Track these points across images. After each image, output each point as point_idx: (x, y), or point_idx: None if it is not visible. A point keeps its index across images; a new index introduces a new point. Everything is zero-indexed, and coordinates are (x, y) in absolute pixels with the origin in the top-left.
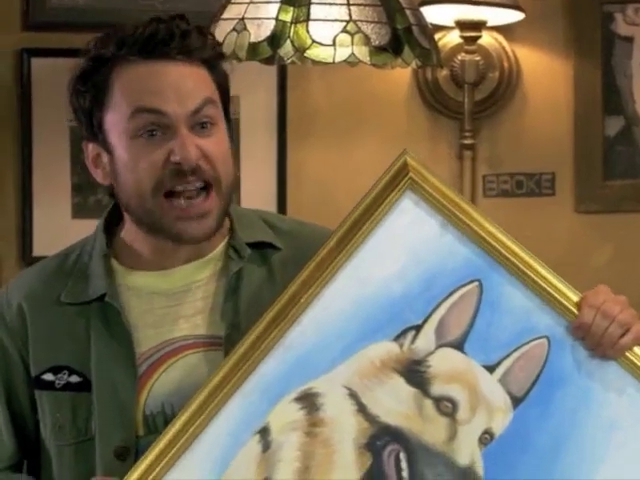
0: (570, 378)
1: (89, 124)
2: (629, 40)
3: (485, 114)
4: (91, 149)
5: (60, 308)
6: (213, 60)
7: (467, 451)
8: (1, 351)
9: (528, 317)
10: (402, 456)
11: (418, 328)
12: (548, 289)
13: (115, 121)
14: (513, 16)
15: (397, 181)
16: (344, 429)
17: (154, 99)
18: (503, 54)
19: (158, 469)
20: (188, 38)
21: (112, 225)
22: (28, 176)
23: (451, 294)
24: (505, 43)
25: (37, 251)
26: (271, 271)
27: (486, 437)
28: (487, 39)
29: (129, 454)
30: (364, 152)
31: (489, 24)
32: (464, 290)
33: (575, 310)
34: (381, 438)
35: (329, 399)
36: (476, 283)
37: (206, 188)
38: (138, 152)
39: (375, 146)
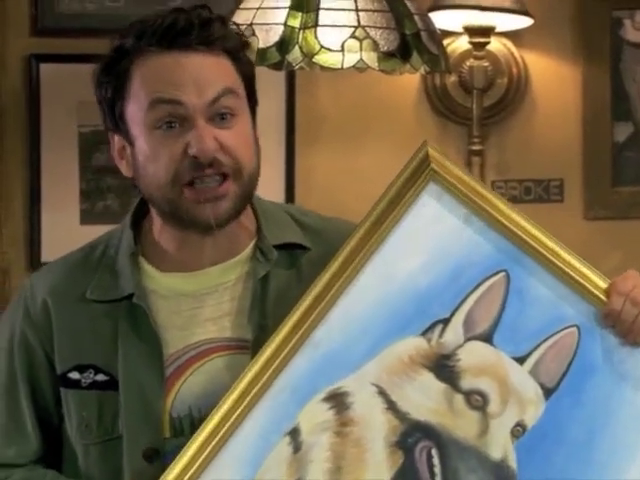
0: (601, 366)
1: (112, 115)
2: (638, 46)
3: (493, 120)
4: (117, 141)
5: (85, 305)
6: (236, 50)
7: (499, 444)
8: (25, 345)
9: (557, 306)
10: (434, 452)
11: (446, 322)
12: (576, 277)
13: (135, 112)
14: (522, 22)
15: (419, 173)
16: (374, 427)
17: (172, 90)
18: (512, 60)
19: (190, 473)
20: (209, 28)
21: (139, 220)
22: (36, 182)
23: (478, 286)
24: (514, 49)
25: (45, 257)
26: (299, 273)
27: (518, 429)
28: (496, 45)
29: (158, 456)
30: (372, 158)
31: (498, 30)
32: (491, 281)
33: (604, 297)
34: (412, 435)
35: (358, 398)
36: (503, 273)
37: (224, 178)
38: (156, 144)
39: (383, 152)
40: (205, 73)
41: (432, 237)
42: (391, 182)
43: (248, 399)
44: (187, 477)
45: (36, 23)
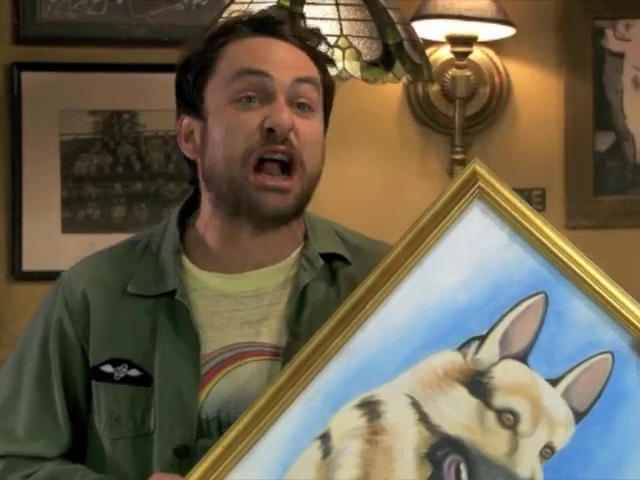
0: (634, 394)
1: (190, 95)
2: (620, 56)
3: (476, 129)
4: (186, 124)
5: (126, 299)
6: (324, 60)
7: (528, 464)
8: (60, 335)
9: (593, 331)
10: (462, 467)
11: (482, 339)
12: (614, 303)
13: (216, 86)
14: (504, 31)
15: (466, 189)
16: (405, 438)
17: (259, 63)
18: (494, 69)
19: (219, 470)
20: (301, 28)
21: (185, 218)
22: (18, 190)
23: (516, 305)
24: (496, 58)
25: (27, 266)
26: (337, 285)
27: (547, 451)
28: (478, 54)
29: (189, 453)
30: (355, 167)
31: (480, 39)
32: (530, 302)
33: None
34: (442, 448)
35: (391, 407)
36: (542, 295)
37: (290, 166)
38: (234, 116)
39: (366, 161)
40: (294, 58)
41: (474, 254)
42: (437, 196)
43: (281, 402)
44: (215, 475)
45: (18, 31)
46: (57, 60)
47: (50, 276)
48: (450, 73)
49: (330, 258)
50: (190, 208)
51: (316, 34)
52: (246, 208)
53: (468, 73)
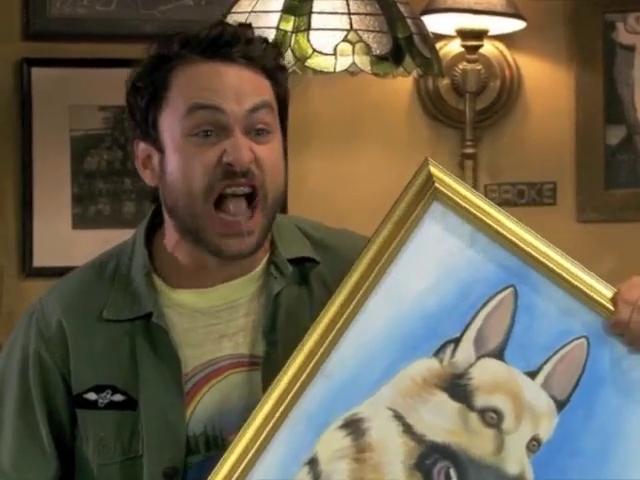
0: (611, 376)
1: (144, 122)
2: (631, 49)
3: (486, 123)
4: (142, 149)
5: (102, 325)
6: (274, 70)
7: (516, 460)
8: (40, 366)
9: (565, 318)
10: (452, 472)
11: (457, 341)
12: (582, 287)
13: (170, 119)
14: (514, 25)
15: (423, 193)
16: (392, 452)
17: (211, 96)
18: (504, 63)
19: None
20: (251, 44)
21: (150, 235)
22: (28, 187)
23: (487, 303)
24: (506, 52)
25: (37, 262)
26: (309, 287)
27: (534, 444)
28: (488, 48)
29: (177, 474)
30: (365, 162)
31: (490, 33)
32: (499, 297)
33: (611, 306)
34: (430, 457)
35: (374, 423)
36: (511, 289)
37: (253, 198)
38: (191, 151)
39: (376, 156)
40: (245, 84)
41: (438, 257)
42: (394, 203)
43: (265, 433)
44: None
45: (28, 27)
46: (67, 56)
47: (61, 272)
48: (460, 67)
49: (300, 261)
50: (155, 223)
51: (265, 47)
52: (210, 249)
53: (479, 67)
